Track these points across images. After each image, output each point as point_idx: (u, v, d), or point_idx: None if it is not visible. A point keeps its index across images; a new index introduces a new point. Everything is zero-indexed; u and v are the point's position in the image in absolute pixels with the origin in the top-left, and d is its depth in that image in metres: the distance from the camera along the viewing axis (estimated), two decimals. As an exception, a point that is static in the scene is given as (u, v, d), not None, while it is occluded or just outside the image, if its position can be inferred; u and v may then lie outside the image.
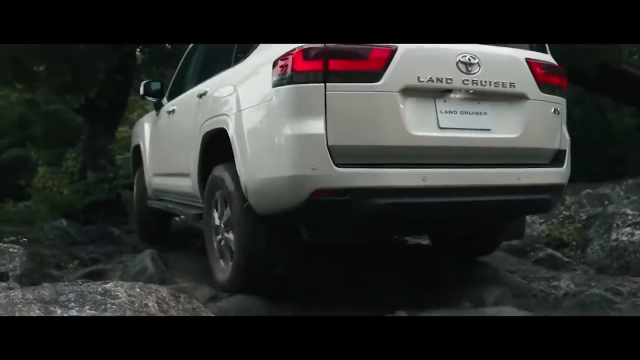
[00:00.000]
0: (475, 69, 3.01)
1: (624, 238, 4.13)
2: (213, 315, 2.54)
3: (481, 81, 3.03)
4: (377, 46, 2.86)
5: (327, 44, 2.80)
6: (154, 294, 2.18)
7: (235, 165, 3.24)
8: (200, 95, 3.98)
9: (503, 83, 3.09)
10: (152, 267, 4.00)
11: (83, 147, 8.42)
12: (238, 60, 3.60)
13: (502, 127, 3.14)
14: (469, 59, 3.00)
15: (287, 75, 2.86)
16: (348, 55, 2.85)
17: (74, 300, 1.97)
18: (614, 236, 4.19)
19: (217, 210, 3.60)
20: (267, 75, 3.00)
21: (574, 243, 4.56)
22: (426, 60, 2.99)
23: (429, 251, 4.48)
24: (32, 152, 12.50)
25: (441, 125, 2.98)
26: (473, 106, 3.08)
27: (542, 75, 3.27)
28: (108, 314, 1.96)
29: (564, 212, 5.14)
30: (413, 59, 2.94)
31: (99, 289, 2.07)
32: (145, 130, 5.70)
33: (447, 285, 3.73)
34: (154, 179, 5.30)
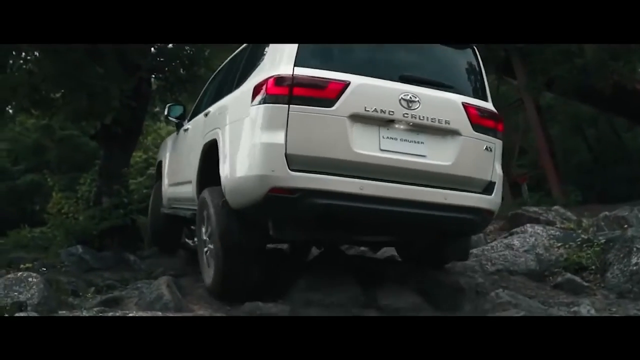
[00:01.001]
0: (416, 105, 3.72)
1: (645, 262, 4.07)
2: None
3: (419, 116, 3.73)
4: (333, 79, 3.61)
5: (294, 74, 3.58)
6: None
7: (216, 189, 4.00)
8: (206, 114, 4.78)
9: (439, 120, 3.80)
10: (168, 294, 3.97)
11: (98, 172, 8.49)
12: (237, 86, 4.29)
13: (436, 155, 3.81)
14: (410, 97, 3.72)
15: (262, 97, 3.63)
16: (309, 84, 3.59)
17: None
18: (634, 260, 4.12)
19: (204, 226, 4.24)
20: (249, 97, 3.76)
21: (593, 267, 4.49)
22: (373, 95, 3.69)
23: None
24: (47, 177, 12.60)
25: (382, 148, 3.67)
26: (412, 135, 3.77)
27: (476, 117, 3.95)
28: None
29: (582, 236, 5.07)
30: (362, 92, 3.66)
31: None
32: (167, 148, 6.53)
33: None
34: (168, 189, 6.01)
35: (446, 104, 3.89)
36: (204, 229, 4.25)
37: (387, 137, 3.70)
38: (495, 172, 4.06)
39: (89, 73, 7.02)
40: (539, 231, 5.11)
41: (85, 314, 2.20)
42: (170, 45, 8.84)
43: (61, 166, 19.94)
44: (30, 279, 3.93)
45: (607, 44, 8.24)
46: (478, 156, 3.97)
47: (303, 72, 3.61)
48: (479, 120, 3.97)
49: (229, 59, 5.47)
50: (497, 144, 4.08)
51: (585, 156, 16.16)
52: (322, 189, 3.50)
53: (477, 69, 4.32)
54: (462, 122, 3.89)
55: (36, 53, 7.73)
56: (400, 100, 3.70)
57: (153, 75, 8.84)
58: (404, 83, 3.79)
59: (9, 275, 4.13)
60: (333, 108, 3.56)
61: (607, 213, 5.85)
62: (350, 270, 4.32)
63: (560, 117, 16.05)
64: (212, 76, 6.06)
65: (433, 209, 3.75)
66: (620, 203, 7.51)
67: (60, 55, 6.89)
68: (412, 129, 3.74)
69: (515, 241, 4.92)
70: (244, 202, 3.72)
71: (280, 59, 3.75)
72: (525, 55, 10.75)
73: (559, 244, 4.90)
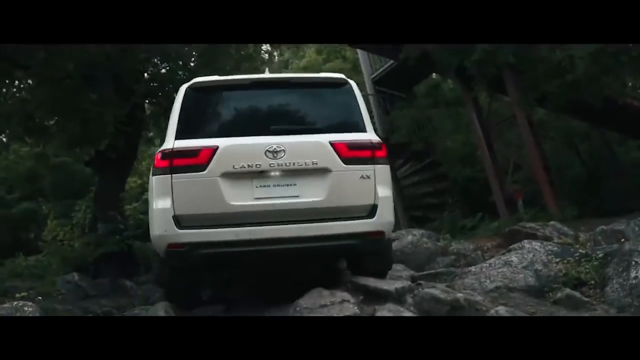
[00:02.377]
0: (281, 155, 4.29)
1: (644, 275, 4.05)
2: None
3: (286, 163, 4.30)
4: (204, 146, 4.28)
5: (173, 148, 4.27)
6: None
7: None
8: None
9: (306, 162, 4.34)
10: (166, 320, 3.94)
11: (93, 199, 8.47)
12: None
13: (308, 194, 4.33)
14: (275, 148, 4.30)
15: (153, 170, 4.39)
16: (184, 154, 4.27)
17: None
18: (633, 274, 4.09)
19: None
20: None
21: (592, 282, 4.46)
22: (240, 153, 4.31)
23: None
24: (42, 205, 12.54)
25: (255, 197, 4.28)
26: (285, 180, 4.34)
27: (346, 152, 4.43)
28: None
29: (580, 250, 5.06)
30: (230, 153, 4.29)
31: None
32: None
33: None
34: None
35: (312, 147, 4.42)
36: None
37: (261, 186, 4.32)
38: (378, 195, 4.46)
39: (83, 99, 7.05)
40: (536, 247, 5.09)
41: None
42: (163, 70, 8.88)
43: (56, 193, 19.83)
44: (26, 308, 3.90)
45: (599, 59, 8.33)
46: (354, 186, 4.42)
47: (180, 144, 4.31)
48: (349, 154, 4.45)
49: None
50: (378, 169, 4.50)
51: (579, 171, 16.20)
52: (204, 241, 4.21)
53: (354, 104, 4.74)
54: (330, 159, 4.39)
55: (29, 81, 7.75)
56: (265, 152, 4.29)
57: (147, 101, 8.86)
58: (273, 135, 4.38)
59: (4, 305, 4.11)
60: (205, 172, 4.24)
61: (603, 227, 5.83)
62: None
63: (552, 132, 16.12)
64: None
65: (309, 241, 4.29)
66: (616, 217, 7.51)
67: (54, 83, 6.91)
68: (283, 174, 4.33)
69: (514, 258, 4.90)
70: (160, 253, 4.49)
71: (169, 134, 4.47)
72: (516, 71, 10.83)
73: (557, 260, 4.88)
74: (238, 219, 4.25)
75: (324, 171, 4.38)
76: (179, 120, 4.47)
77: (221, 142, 4.33)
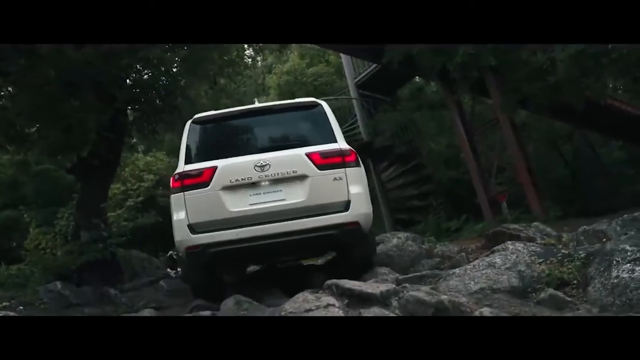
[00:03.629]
0: (267, 168, 5.40)
1: (625, 275, 4.06)
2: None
3: (271, 174, 5.41)
4: (206, 167, 5.43)
5: (183, 171, 5.50)
6: None
7: None
8: None
9: (287, 172, 5.42)
10: (150, 328, 3.91)
11: (76, 206, 8.38)
12: None
13: (292, 197, 5.40)
14: (261, 163, 5.41)
15: (171, 190, 5.56)
16: (192, 175, 5.46)
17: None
18: (614, 273, 4.12)
19: None
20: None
21: (575, 282, 4.48)
22: (234, 170, 5.43)
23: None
24: (24, 213, 12.36)
25: (250, 203, 5.38)
26: (272, 187, 5.43)
27: (320, 160, 5.49)
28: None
29: (563, 250, 5.09)
30: (226, 171, 5.41)
31: None
32: None
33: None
34: None
35: (291, 159, 5.51)
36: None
37: (254, 194, 5.41)
38: (350, 192, 5.49)
39: (64, 106, 6.97)
40: (519, 248, 5.11)
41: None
42: (145, 77, 8.83)
43: (38, 201, 19.61)
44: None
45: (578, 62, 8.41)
46: (328, 186, 5.46)
47: (189, 167, 5.54)
48: (322, 161, 5.51)
49: None
50: (349, 171, 5.54)
51: (562, 172, 16.34)
52: (212, 242, 5.31)
53: (325, 120, 5.88)
54: (307, 167, 5.46)
55: (9, 88, 7.66)
56: (255, 167, 5.41)
57: (129, 107, 8.79)
58: (260, 153, 5.57)
59: (-15, 315, 4.04)
60: (209, 187, 5.39)
61: (586, 227, 5.87)
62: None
63: (535, 134, 16.25)
64: None
65: (296, 234, 5.34)
66: (599, 217, 7.58)
67: (34, 89, 6.84)
68: (271, 183, 5.42)
69: (497, 259, 4.92)
70: (182, 255, 5.61)
71: (180, 161, 5.70)
72: (498, 74, 10.91)
73: (540, 260, 4.90)
74: (237, 222, 5.34)
75: (302, 177, 5.44)
76: (186, 149, 5.72)
77: (219, 162, 5.48)
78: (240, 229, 5.30)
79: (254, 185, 5.41)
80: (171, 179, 5.61)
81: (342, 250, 6.11)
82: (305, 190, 5.41)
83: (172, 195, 5.54)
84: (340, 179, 5.50)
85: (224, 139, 6.01)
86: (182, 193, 5.42)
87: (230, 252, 5.38)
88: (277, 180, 5.44)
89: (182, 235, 5.37)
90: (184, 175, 5.48)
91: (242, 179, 5.39)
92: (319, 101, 6.11)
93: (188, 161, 5.61)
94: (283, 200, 5.39)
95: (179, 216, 5.41)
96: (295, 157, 5.53)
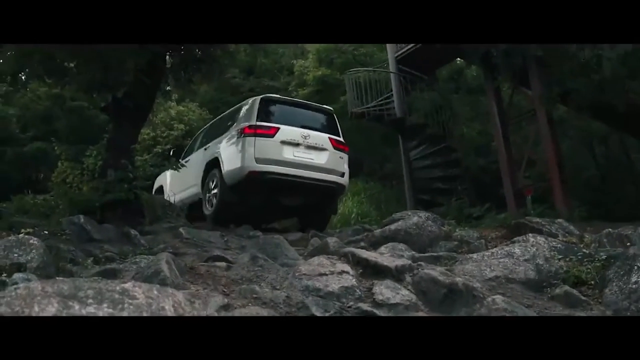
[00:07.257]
0: (308, 138, 8.85)
1: (645, 281, 4.04)
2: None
3: (309, 143, 8.85)
4: (273, 126, 8.69)
5: (257, 123, 8.70)
6: (170, 298, 2.18)
7: (218, 170, 8.94)
8: (205, 149, 10.00)
9: (318, 144, 8.94)
10: (167, 270, 3.95)
11: (106, 145, 8.48)
12: (227, 131, 9.39)
13: (318, 159, 8.87)
14: (305, 135, 8.86)
15: (244, 134, 8.62)
16: (263, 127, 8.63)
17: (92, 297, 1.96)
18: (634, 278, 4.08)
19: (212, 183, 9.12)
20: (238, 134, 8.83)
21: (592, 282, 4.44)
22: (290, 133, 8.77)
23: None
24: (55, 146, 12.56)
25: (295, 154, 8.68)
26: (308, 150, 8.79)
27: (335, 143, 9.11)
28: (125, 313, 1.95)
29: (584, 250, 5.05)
30: (285, 132, 8.71)
31: (118, 288, 2.06)
32: (167, 177, 11.26)
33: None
34: (174, 197, 10.28)
35: (321, 138, 9.02)
36: (212, 185, 9.12)
37: (297, 151, 8.70)
38: (345, 168, 9.20)
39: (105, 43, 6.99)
40: (540, 242, 5.07)
41: (86, 280, 2.19)
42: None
43: (69, 136, 19.97)
44: (31, 241, 3.94)
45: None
46: (337, 160, 9.07)
47: (261, 123, 8.64)
48: (335, 145, 9.11)
49: (209, 123, 11.88)
50: (344, 156, 9.23)
51: (593, 173, 16.05)
52: (269, 171, 8.40)
53: (335, 121, 9.57)
54: (328, 145, 9.01)
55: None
56: (301, 135, 8.82)
57: (168, 53, 8.80)
58: (304, 128, 8.92)
59: (10, 237, 4.14)
60: (273, 138, 8.58)
61: (610, 230, 5.81)
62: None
63: (571, 131, 15.96)
64: (196, 136, 11.89)
65: (318, 181, 8.73)
66: (624, 222, 7.47)
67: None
68: (307, 148, 8.78)
69: (516, 249, 4.89)
70: (234, 181, 8.58)
71: (252, 118, 8.76)
72: (542, 65, 10.69)
73: (560, 256, 4.86)
74: (285, 164, 8.54)
75: (325, 150, 8.98)
76: (257, 112, 8.78)
77: (281, 126, 8.74)
78: (286, 168, 8.48)
79: (298, 145, 8.74)
80: (244, 127, 8.64)
81: (319, 206, 9.34)
82: (325, 158, 8.93)
83: (244, 137, 8.49)
84: (342, 158, 9.17)
85: (282, 113, 9.12)
86: (254, 137, 8.45)
87: (275, 181, 8.39)
88: (312, 147, 8.83)
89: (249, 162, 8.32)
90: (257, 127, 8.56)
91: (293, 139, 8.71)
92: (331, 109, 9.87)
93: (260, 119, 8.66)
94: (312, 159, 8.79)
95: (249, 151, 8.37)
96: (323, 137, 9.06)
